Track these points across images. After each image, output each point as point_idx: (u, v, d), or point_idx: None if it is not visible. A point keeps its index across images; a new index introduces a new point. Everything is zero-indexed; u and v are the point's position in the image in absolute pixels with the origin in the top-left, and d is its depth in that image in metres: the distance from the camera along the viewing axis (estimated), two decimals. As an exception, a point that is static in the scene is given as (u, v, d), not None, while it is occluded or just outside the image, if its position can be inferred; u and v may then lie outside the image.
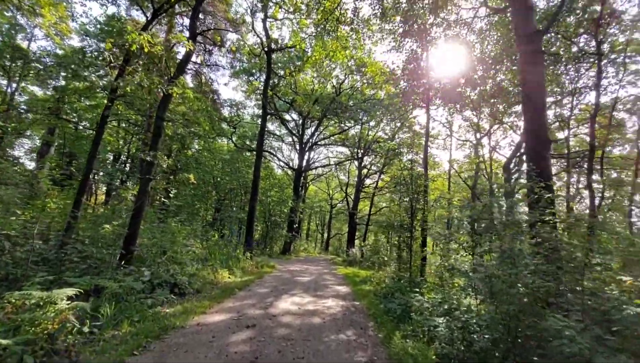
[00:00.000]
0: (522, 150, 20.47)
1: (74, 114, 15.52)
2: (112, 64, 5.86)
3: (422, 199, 10.54)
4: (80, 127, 12.44)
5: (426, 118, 12.48)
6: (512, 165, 20.38)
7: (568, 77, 14.34)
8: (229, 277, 9.46)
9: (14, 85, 14.90)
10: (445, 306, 6.12)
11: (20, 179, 8.49)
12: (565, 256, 3.82)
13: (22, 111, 11.81)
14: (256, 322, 5.00)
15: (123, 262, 6.01)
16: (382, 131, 28.25)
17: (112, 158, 23.06)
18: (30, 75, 14.29)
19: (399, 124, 24.18)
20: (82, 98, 12.13)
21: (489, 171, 22.56)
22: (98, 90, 9.91)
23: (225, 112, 24.39)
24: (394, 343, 4.62)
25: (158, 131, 7.07)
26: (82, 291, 3.95)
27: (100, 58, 5.81)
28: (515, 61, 11.76)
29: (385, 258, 17.31)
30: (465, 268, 6.14)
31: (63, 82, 13.79)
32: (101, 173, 19.74)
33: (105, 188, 20.88)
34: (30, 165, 15.40)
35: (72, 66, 8.25)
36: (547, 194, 5.16)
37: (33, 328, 3.08)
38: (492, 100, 16.63)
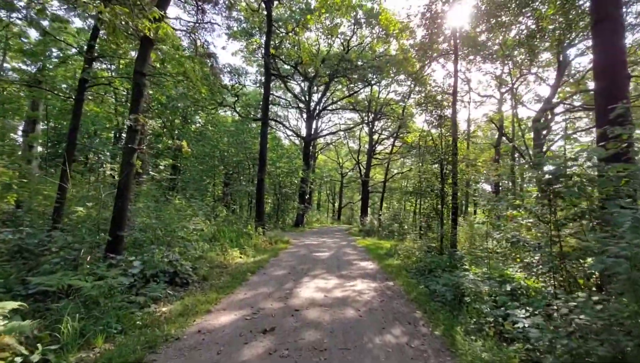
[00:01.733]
0: (551, 105, 18.55)
1: (62, 85, 14.21)
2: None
3: (452, 160, 9.15)
4: (62, 97, 11.01)
5: (454, 68, 10.68)
6: (542, 120, 18.58)
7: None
8: (241, 257, 8.46)
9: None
10: (508, 288, 4.98)
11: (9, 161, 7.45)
12: None
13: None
14: (275, 323, 3.89)
15: (106, 252, 4.91)
16: (393, 93, 26.24)
17: (113, 135, 21.83)
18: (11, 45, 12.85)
19: (412, 85, 22.07)
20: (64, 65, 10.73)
21: (513, 128, 20.81)
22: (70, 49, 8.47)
23: (226, 79, 22.61)
24: (460, 345, 3.47)
25: (138, 88, 5.70)
26: (23, 304, 2.82)
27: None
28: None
29: (405, 227, 16.21)
30: (532, 242, 4.89)
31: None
32: (103, 152, 18.69)
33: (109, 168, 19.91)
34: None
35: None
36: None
37: None
38: (521, 48, 14.54)
